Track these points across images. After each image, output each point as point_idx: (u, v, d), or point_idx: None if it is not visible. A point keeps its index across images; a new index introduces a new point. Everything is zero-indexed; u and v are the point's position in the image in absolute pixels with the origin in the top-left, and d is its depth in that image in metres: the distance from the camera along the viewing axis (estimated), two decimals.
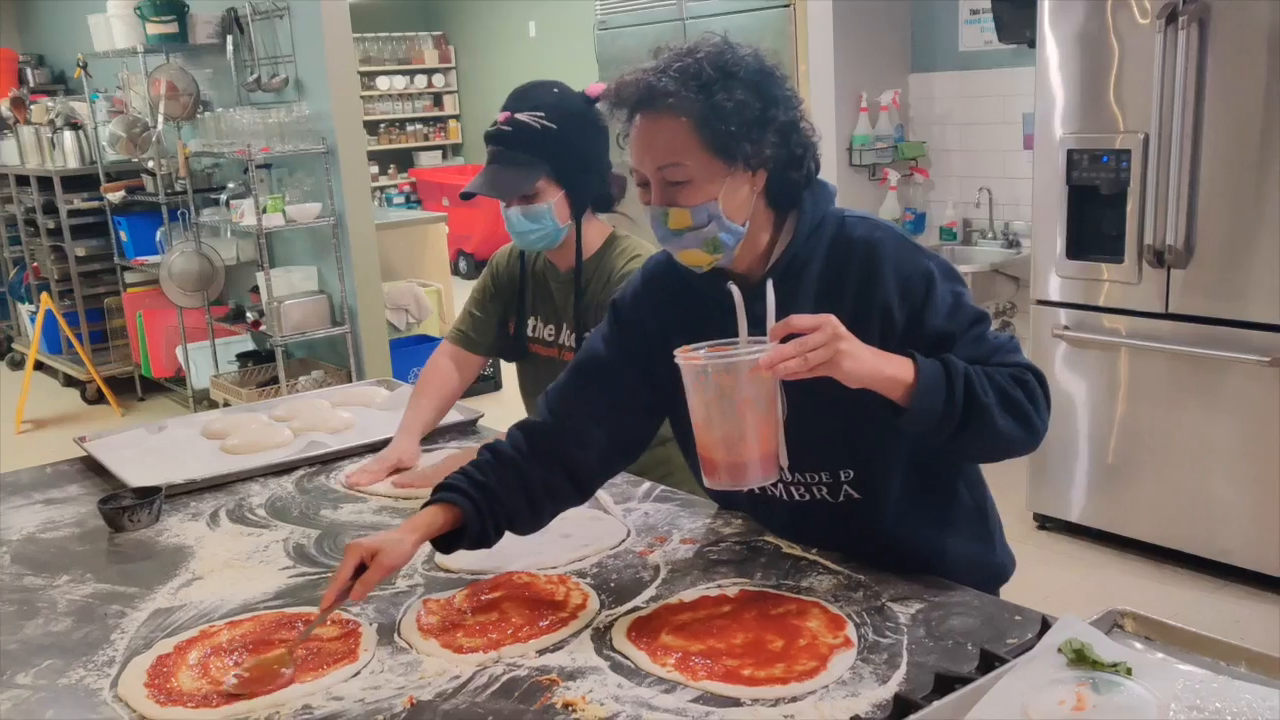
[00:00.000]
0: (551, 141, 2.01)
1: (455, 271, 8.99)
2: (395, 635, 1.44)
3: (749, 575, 1.55)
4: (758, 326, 1.42)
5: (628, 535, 1.72)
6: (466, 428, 2.35)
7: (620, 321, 1.66)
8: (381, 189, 10.94)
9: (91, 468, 2.18)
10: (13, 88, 6.87)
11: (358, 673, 1.34)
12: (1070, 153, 3.59)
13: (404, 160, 11.44)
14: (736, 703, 1.23)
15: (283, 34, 5.11)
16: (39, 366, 6.84)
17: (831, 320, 1.31)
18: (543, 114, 2.01)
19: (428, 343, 5.84)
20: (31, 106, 6.56)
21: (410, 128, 11.44)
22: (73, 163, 6.30)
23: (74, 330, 6.38)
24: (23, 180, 6.71)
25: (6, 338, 7.69)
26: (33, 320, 6.54)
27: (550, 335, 2.20)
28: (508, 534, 1.68)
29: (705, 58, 1.42)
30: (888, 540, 1.55)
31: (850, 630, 1.37)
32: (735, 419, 1.36)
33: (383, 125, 11.20)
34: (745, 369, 1.33)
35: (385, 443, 2.21)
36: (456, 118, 11.60)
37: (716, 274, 1.50)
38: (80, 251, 6.46)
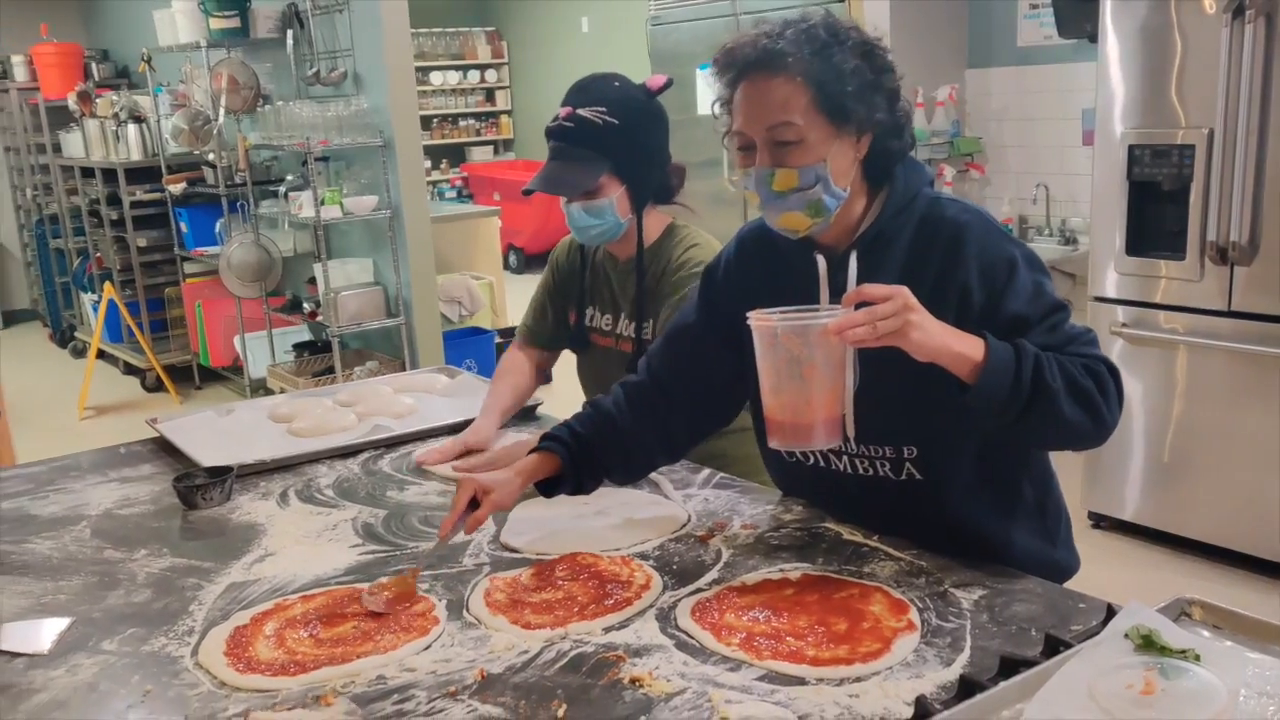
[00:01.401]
0: (613, 137, 2.03)
1: (506, 266, 9.06)
2: (464, 611, 1.47)
3: (811, 560, 1.57)
4: (839, 297, 1.44)
5: (688, 520, 1.75)
6: (527, 414, 2.38)
7: (711, 288, 1.73)
8: (434, 184, 11.04)
9: (163, 448, 2.24)
10: (79, 82, 7.01)
11: (429, 646, 1.38)
12: (1132, 148, 3.55)
13: (456, 155, 11.53)
14: (801, 682, 1.24)
15: (342, 28, 5.18)
16: (100, 355, 6.99)
17: (904, 291, 1.33)
18: (604, 109, 2.02)
19: (480, 335, 5.89)
20: (97, 100, 6.70)
21: (463, 123, 11.53)
22: (136, 155, 6.42)
23: (135, 319, 6.52)
24: (87, 172, 6.86)
25: (70, 327, 7.87)
26: (95, 309, 6.68)
27: (608, 324, 2.23)
28: (569, 518, 1.73)
29: (818, 23, 1.46)
30: (950, 525, 1.56)
31: (913, 614, 1.38)
32: (802, 383, 1.38)
33: (435, 120, 11.29)
34: (815, 333, 1.36)
35: (447, 428, 2.25)
36: (509, 113, 11.67)
37: (805, 243, 1.55)
38: (142, 242, 6.59)
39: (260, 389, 5.98)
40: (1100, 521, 3.92)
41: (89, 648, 1.42)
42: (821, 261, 1.51)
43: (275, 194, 5.66)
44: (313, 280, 5.49)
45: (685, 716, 1.19)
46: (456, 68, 11.38)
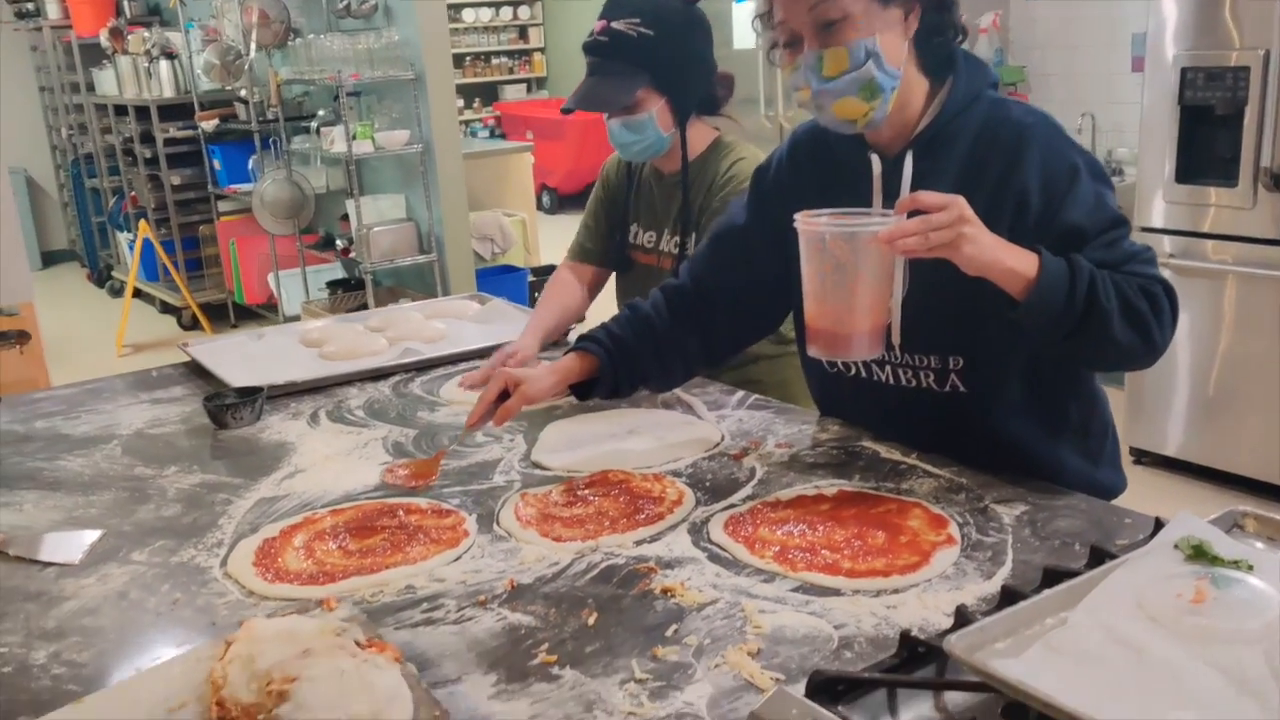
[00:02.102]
0: (650, 49, 1.97)
1: (539, 207, 9.00)
2: (494, 524, 1.45)
3: (847, 477, 1.53)
4: (893, 200, 1.39)
5: (722, 439, 1.71)
6: (561, 342, 2.34)
7: (761, 190, 1.69)
8: (466, 123, 10.96)
9: (194, 372, 2.24)
10: (110, 18, 6.98)
11: (459, 557, 1.36)
12: (1184, 71, 3.44)
13: (488, 94, 11.43)
14: (837, 593, 1.22)
15: None
16: (137, 294, 7.04)
17: (959, 201, 1.28)
18: (639, 20, 1.97)
19: (513, 273, 5.87)
20: (129, 37, 6.67)
21: (495, 61, 11.42)
22: (168, 92, 6.41)
23: (170, 258, 6.55)
24: (121, 110, 6.85)
25: (107, 266, 7.92)
26: (131, 248, 6.71)
27: (650, 241, 2.18)
28: (601, 437, 1.70)
29: None
30: (994, 441, 1.52)
31: (953, 529, 1.35)
32: (847, 291, 1.34)
33: (468, 58, 11.19)
34: (863, 240, 1.31)
35: (478, 352, 2.23)
36: (542, 50, 11.54)
37: (860, 143, 1.50)
38: (175, 180, 6.60)
39: None
40: (1142, 457, 3.85)
41: (119, 558, 1.42)
42: (876, 162, 1.46)
43: (307, 130, 5.63)
44: (345, 217, 5.48)
45: (718, 625, 1.16)
46: (489, 4, 11.25)
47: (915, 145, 1.47)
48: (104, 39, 6.79)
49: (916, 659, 1.05)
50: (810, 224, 1.35)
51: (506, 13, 11.32)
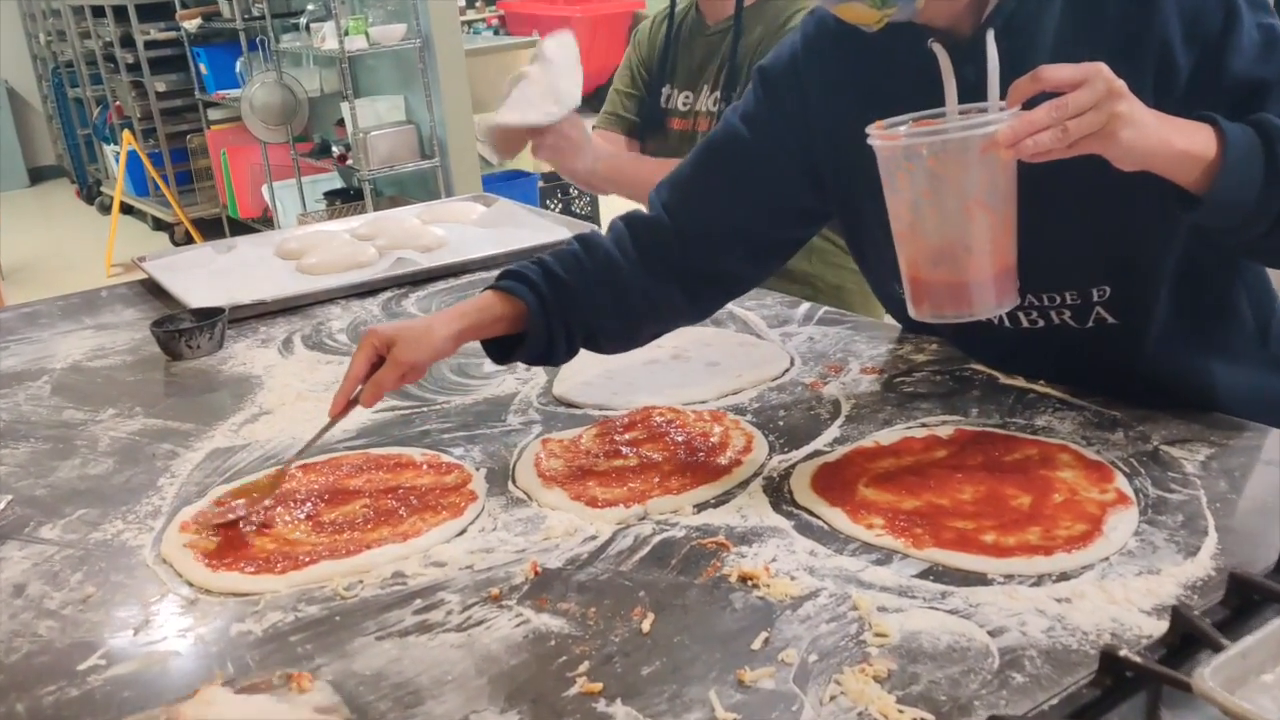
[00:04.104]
0: None
1: None
2: (509, 483, 1.12)
3: (962, 412, 1.19)
4: (972, 96, 1.01)
5: (791, 364, 1.37)
6: None
7: (771, 93, 1.25)
8: (468, 23, 10.40)
9: (152, 291, 1.90)
10: None
11: (464, 530, 1.03)
12: None
13: None
14: (982, 579, 0.88)
15: None
16: (128, 210, 6.68)
17: (1103, 72, 0.90)
18: None
19: (522, 178, 5.47)
20: None
21: None
22: None
23: (159, 171, 6.18)
24: (98, 11, 6.41)
25: (96, 182, 7.55)
26: (117, 160, 6.33)
27: (686, 103, 1.83)
28: (637, 364, 1.35)
29: None
30: (1145, 373, 1.16)
31: (1121, 482, 1.01)
32: (958, 221, 0.97)
33: None
34: (975, 148, 0.94)
35: (483, 261, 1.89)
36: None
37: (910, 29, 1.09)
38: (160, 86, 6.20)
39: None
40: None
41: (23, 535, 1.09)
42: (942, 52, 1.02)
43: (296, 27, 5.21)
44: (341, 122, 5.09)
45: (824, 632, 0.83)
46: None
47: (995, 21, 1.06)
48: None
49: (1123, 686, 0.72)
50: (893, 135, 0.98)
51: None
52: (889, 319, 1.50)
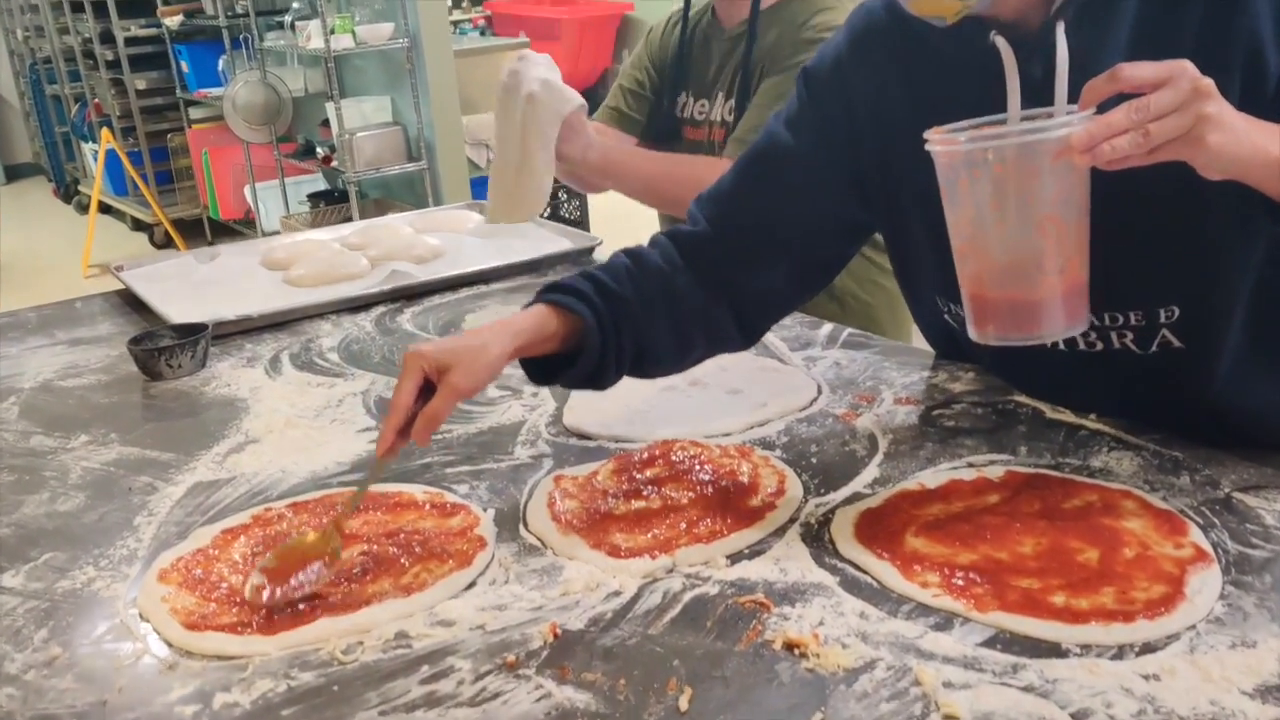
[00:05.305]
0: None
1: None
2: (521, 526, 1.02)
3: (1010, 450, 1.10)
4: (1037, 99, 0.92)
5: (819, 392, 1.28)
6: (580, 258, 1.89)
7: (814, 96, 1.17)
8: (455, 24, 10.28)
9: (130, 303, 1.79)
10: None
11: (472, 583, 0.93)
12: None
13: None
14: (1056, 650, 0.79)
15: None
16: (107, 210, 6.54)
17: (1189, 70, 0.81)
18: None
19: None
20: None
21: None
22: None
23: (138, 170, 6.04)
24: (77, 7, 6.26)
25: (73, 180, 7.40)
26: (96, 159, 6.20)
27: (701, 111, 1.73)
28: (653, 390, 1.27)
29: None
30: (1211, 406, 1.08)
31: (1196, 534, 0.92)
32: (1026, 234, 0.89)
33: None
34: (1047, 154, 0.85)
35: (481, 274, 1.79)
36: None
37: (968, 24, 1.00)
38: (140, 84, 6.06)
39: None
40: None
41: None
42: (1005, 47, 0.93)
43: (281, 25, 5.09)
44: (326, 123, 4.98)
45: (886, 712, 0.74)
46: None
47: (1064, 12, 0.96)
48: None
49: None
50: (954, 141, 0.89)
51: None
52: (917, 342, 1.42)
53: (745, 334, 1.19)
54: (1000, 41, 0.94)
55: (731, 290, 1.14)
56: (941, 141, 0.90)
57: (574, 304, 1.04)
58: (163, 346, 1.46)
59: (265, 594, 0.90)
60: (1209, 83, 0.82)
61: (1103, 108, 0.83)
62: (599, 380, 1.08)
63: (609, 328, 1.05)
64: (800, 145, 1.16)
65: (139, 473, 1.19)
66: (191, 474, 1.18)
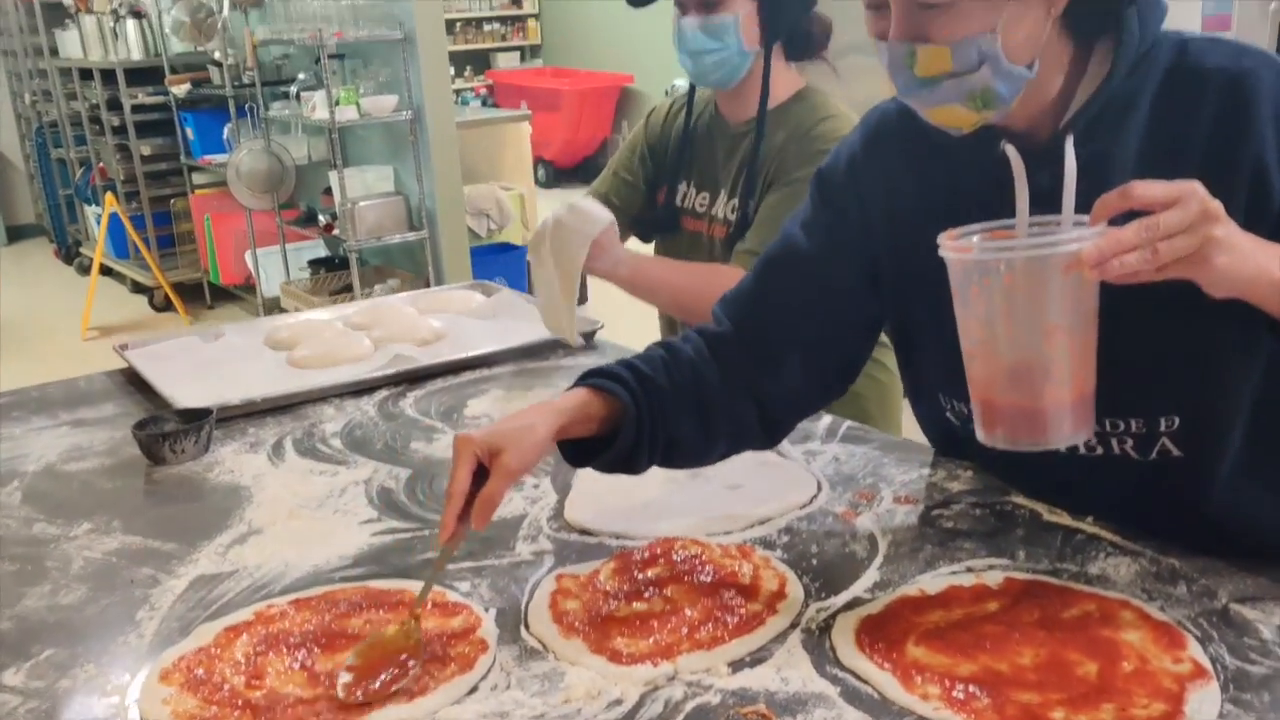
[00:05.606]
0: None
1: (535, 180, 8.54)
2: (522, 628, 1.03)
3: (1007, 554, 1.11)
4: (1045, 207, 0.95)
5: (819, 489, 1.29)
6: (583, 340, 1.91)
7: (829, 199, 1.21)
8: (457, 92, 10.42)
9: (134, 382, 1.80)
10: None
11: (474, 688, 0.94)
12: None
13: (480, 62, 10.91)
14: None
15: None
16: (108, 272, 6.58)
17: (1198, 192, 0.85)
18: None
19: (510, 251, 5.42)
20: None
21: (487, 27, 10.89)
22: (136, 54, 5.93)
23: (140, 234, 6.09)
24: (86, 74, 6.36)
25: (75, 242, 7.45)
26: (98, 222, 6.25)
27: (703, 204, 1.76)
28: (654, 483, 1.28)
29: None
30: (1209, 515, 1.09)
31: (1194, 649, 0.92)
32: (1035, 343, 0.91)
33: (458, 24, 10.67)
34: (1057, 266, 0.88)
35: (484, 359, 1.81)
36: (536, 17, 11.02)
37: (982, 131, 1.04)
38: (146, 150, 6.13)
39: (274, 309, 5.56)
40: None
41: None
42: (1016, 156, 0.95)
43: (286, 95, 5.17)
44: (328, 190, 5.04)
45: None
46: None
47: (1076, 127, 1.01)
48: None
49: None
50: (965, 248, 0.92)
51: None
52: (907, 433, 1.43)
53: (768, 432, 1.22)
54: (1011, 150, 0.96)
55: (756, 389, 1.17)
56: (954, 248, 0.93)
57: (614, 388, 1.09)
58: (167, 432, 1.47)
59: (359, 692, 0.91)
60: (1217, 205, 0.85)
61: (1112, 222, 0.86)
62: (633, 464, 1.12)
63: (645, 413, 1.09)
64: (815, 248, 1.20)
65: (141, 564, 1.20)
66: (194, 566, 1.19)
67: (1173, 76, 1.03)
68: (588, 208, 1.60)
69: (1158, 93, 1.03)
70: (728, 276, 1.56)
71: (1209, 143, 0.99)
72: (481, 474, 1.01)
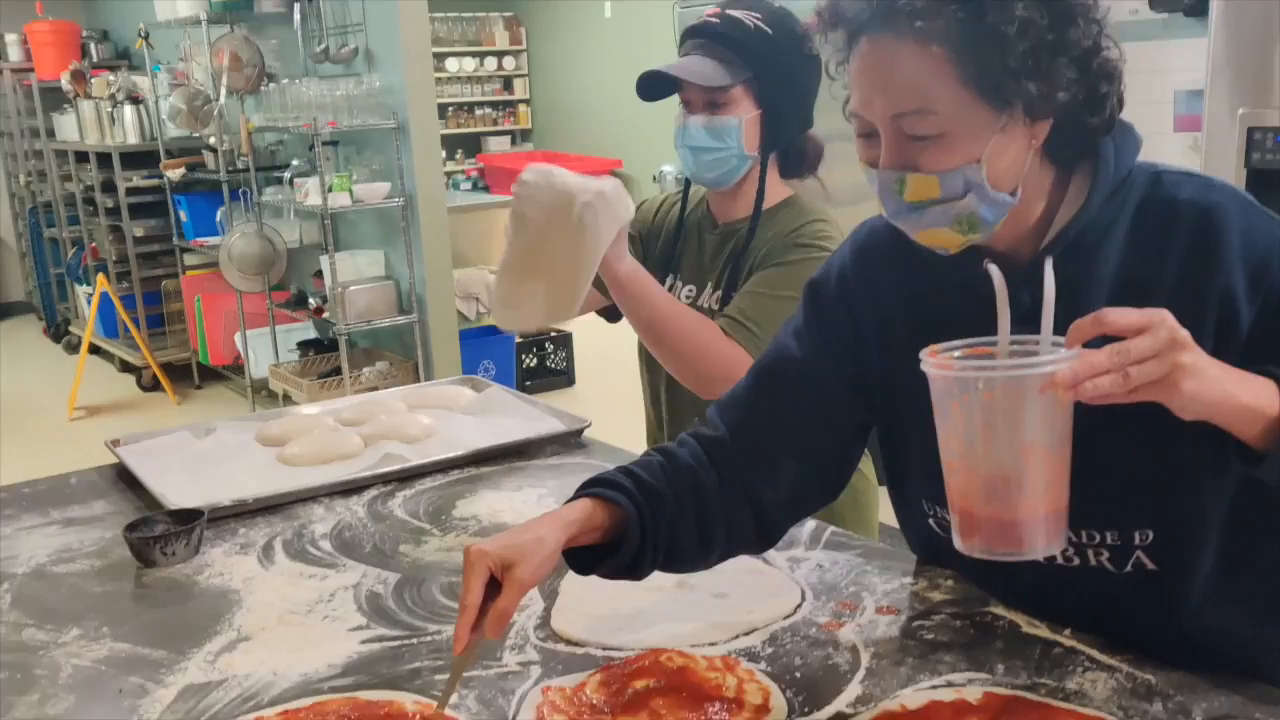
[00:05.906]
0: (763, 49, 1.68)
1: None
2: None
3: (986, 668, 1.13)
4: (1025, 324, 0.99)
5: (803, 598, 1.31)
6: (568, 440, 1.94)
7: (820, 309, 1.26)
8: (449, 175, 10.58)
9: (124, 477, 1.82)
10: (74, 61, 6.60)
11: None
12: (1251, 131, 3.10)
13: (471, 145, 11.08)
14: None
15: (353, 1, 4.76)
16: (96, 351, 6.59)
17: (1167, 320, 0.89)
18: (760, 16, 1.69)
19: (499, 335, 5.47)
20: (92, 80, 6.29)
21: (479, 112, 11.08)
22: (132, 138, 6.03)
23: (130, 314, 6.13)
24: (82, 157, 6.46)
25: (64, 320, 7.48)
26: (90, 302, 6.29)
27: (689, 296, 1.81)
28: (640, 592, 1.30)
29: None
30: (1183, 629, 1.12)
31: None
32: (1012, 458, 0.94)
33: (450, 109, 10.85)
34: (1033, 386, 0.91)
35: (472, 457, 1.83)
36: (527, 102, 11.23)
37: (968, 250, 1.09)
38: (139, 231, 6.20)
39: (262, 390, 5.58)
40: None
41: None
42: (998, 276, 0.99)
43: (280, 180, 5.25)
44: (319, 274, 5.10)
45: None
46: (473, 54, 10.93)
47: (1055, 250, 1.06)
48: (65, 82, 6.40)
49: None
50: (946, 365, 0.96)
51: (491, 63, 11.00)
52: (883, 539, 1.45)
53: (762, 536, 1.25)
54: (993, 270, 1.01)
55: (751, 494, 1.21)
56: (936, 364, 0.96)
57: (616, 497, 1.13)
58: (158, 535, 1.49)
59: None
60: (1185, 334, 0.89)
61: (1088, 345, 0.90)
62: (636, 570, 1.15)
63: (648, 519, 1.14)
64: (807, 357, 1.25)
65: (130, 672, 1.21)
66: (183, 675, 1.20)
67: (1147, 206, 1.08)
68: (618, 193, 1.52)
69: (1133, 221, 1.08)
70: (707, 330, 1.60)
71: (1180, 272, 1.04)
72: (492, 584, 1.04)
